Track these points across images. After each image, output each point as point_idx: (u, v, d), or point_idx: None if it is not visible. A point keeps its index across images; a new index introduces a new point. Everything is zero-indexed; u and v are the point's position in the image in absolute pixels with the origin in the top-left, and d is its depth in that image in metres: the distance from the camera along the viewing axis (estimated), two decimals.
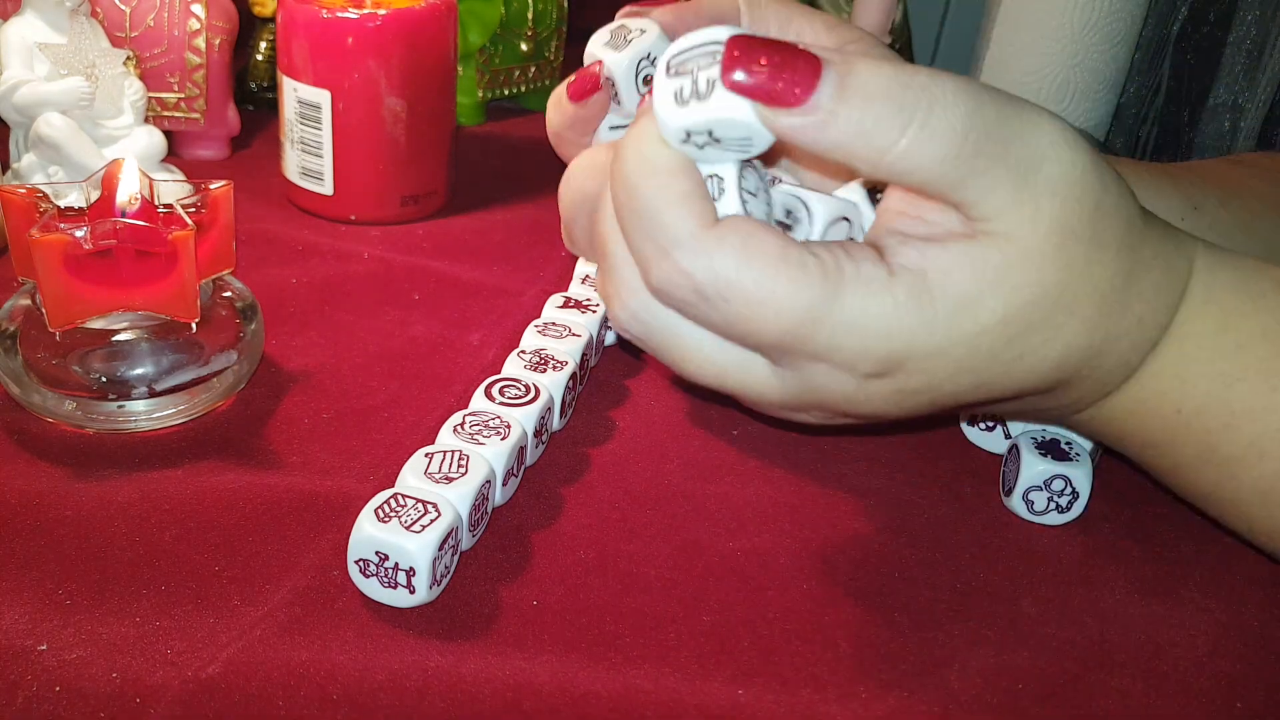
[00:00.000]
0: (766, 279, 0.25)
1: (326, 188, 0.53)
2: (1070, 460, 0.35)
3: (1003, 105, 0.26)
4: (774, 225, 0.27)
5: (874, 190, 0.30)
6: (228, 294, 0.39)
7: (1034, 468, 0.35)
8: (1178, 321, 0.29)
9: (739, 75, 0.24)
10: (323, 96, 0.51)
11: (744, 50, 0.25)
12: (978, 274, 0.26)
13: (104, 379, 0.36)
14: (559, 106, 0.34)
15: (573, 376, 0.39)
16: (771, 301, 0.25)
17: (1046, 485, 0.35)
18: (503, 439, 0.34)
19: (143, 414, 0.36)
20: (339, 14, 0.50)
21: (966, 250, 0.26)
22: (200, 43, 0.56)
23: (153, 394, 0.36)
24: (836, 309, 0.26)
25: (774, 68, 0.24)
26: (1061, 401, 0.30)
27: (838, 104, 0.24)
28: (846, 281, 0.26)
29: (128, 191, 0.36)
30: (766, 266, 0.25)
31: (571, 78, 0.33)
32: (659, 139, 0.26)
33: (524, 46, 0.71)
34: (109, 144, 0.50)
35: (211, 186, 0.37)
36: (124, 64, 0.50)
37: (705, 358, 0.28)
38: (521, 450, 0.35)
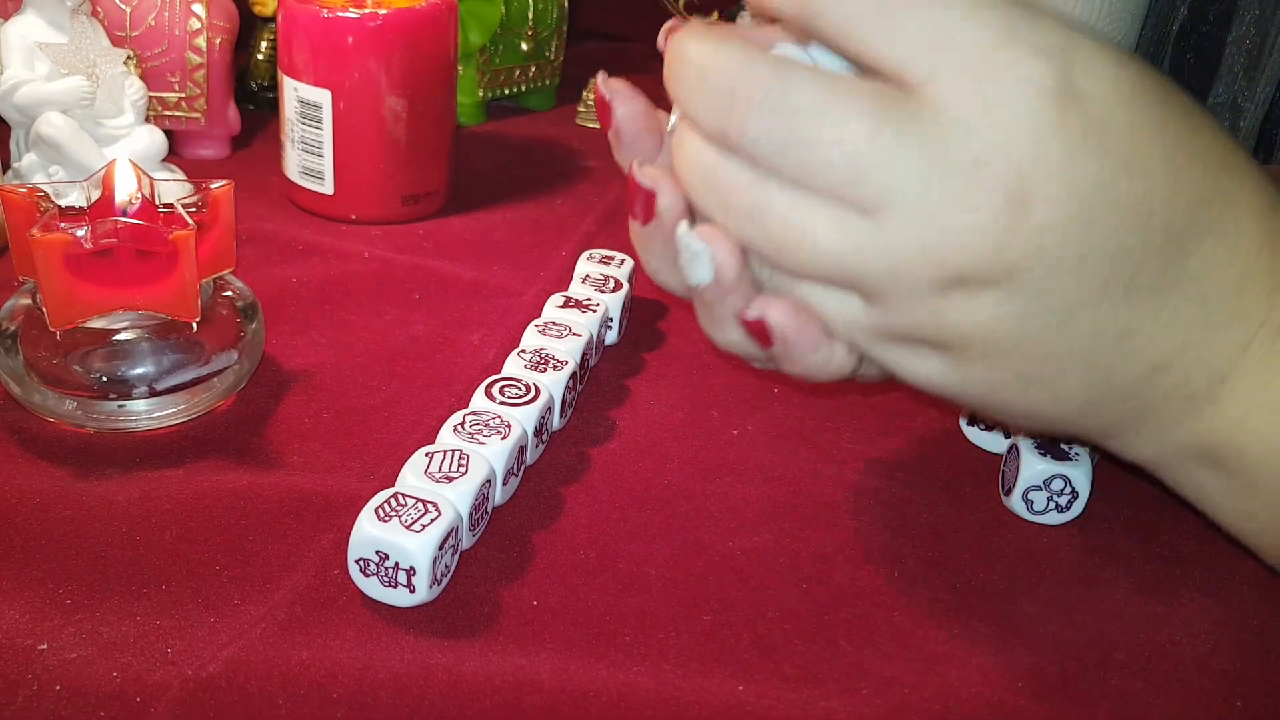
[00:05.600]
0: (839, 102, 0.25)
1: (327, 187, 0.53)
2: (1070, 460, 0.35)
3: None
4: None
5: None
6: (228, 293, 0.39)
7: (1034, 467, 0.35)
8: None
9: None
10: (323, 96, 0.51)
11: None
12: (1109, 77, 0.25)
13: (104, 378, 0.36)
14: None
15: (573, 376, 0.39)
16: (842, 124, 0.25)
17: (1046, 485, 0.35)
18: (503, 438, 0.34)
19: (143, 413, 0.36)
20: (339, 13, 0.50)
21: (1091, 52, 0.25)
22: (201, 42, 0.56)
23: (153, 393, 0.36)
24: (929, 113, 0.24)
25: None
26: (1178, 342, 0.27)
27: None
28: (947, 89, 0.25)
29: (126, 190, 0.36)
30: (833, 91, 0.25)
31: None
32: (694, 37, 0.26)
33: (524, 46, 0.71)
34: (110, 143, 0.50)
35: (212, 186, 0.37)
36: (125, 63, 0.50)
37: (823, 237, 0.26)
38: (522, 450, 0.35)
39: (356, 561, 0.30)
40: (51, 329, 0.35)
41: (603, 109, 0.31)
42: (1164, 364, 0.27)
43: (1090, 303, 0.26)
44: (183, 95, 0.57)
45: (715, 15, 0.97)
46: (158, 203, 0.37)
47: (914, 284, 0.26)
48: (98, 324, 0.36)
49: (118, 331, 0.37)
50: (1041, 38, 0.24)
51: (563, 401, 0.38)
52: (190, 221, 0.35)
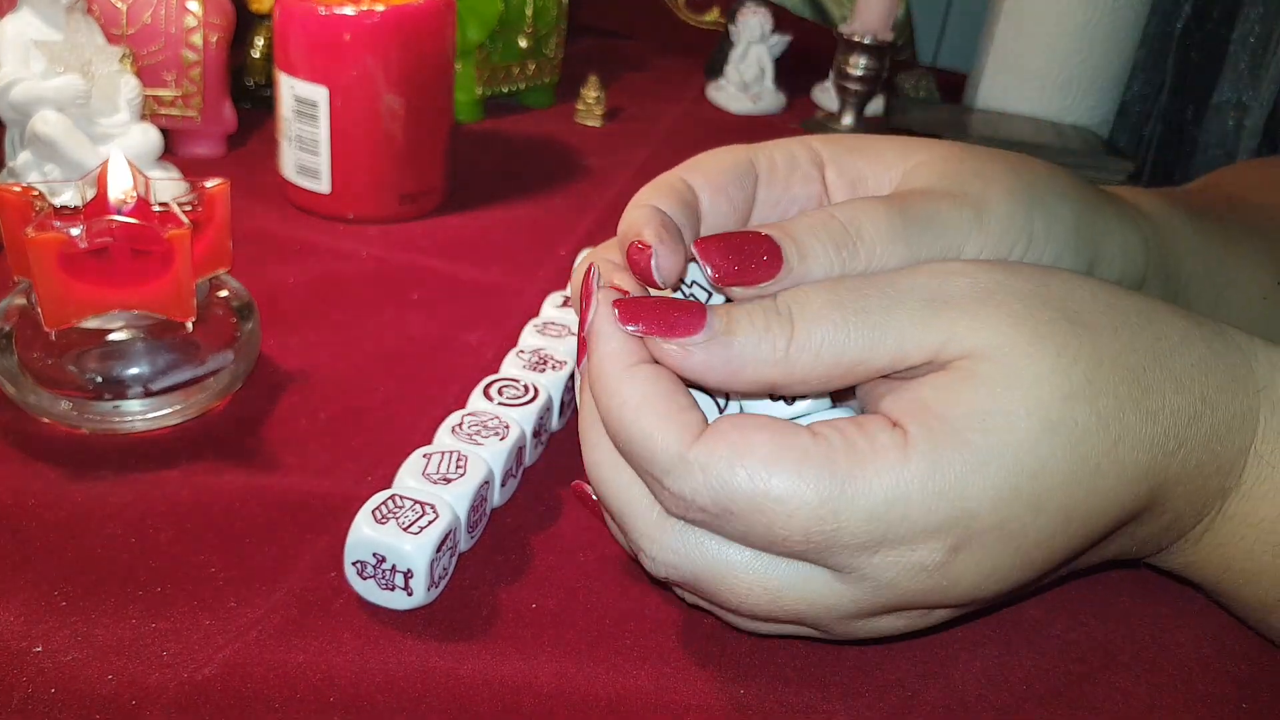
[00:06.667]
0: (763, 480, 0.24)
1: (324, 186, 0.53)
2: None
3: (863, 278, 0.26)
4: (771, 416, 0.26)
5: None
6: (224, 293, 0.39)
7: None
8: (1265, 418, 0.27)
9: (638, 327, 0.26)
10: (320, 93, 0.51)
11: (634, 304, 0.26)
12: (981, 388, 0.24)
13: (99, 379, 0.36)
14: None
15: (572, 376, 0.39)
16: (777, 502, 0.24)
17: None
18: (501, 439, 0.34)
19: (138, 414, 0.36)
20: (336, 10, 0.50)
21: (952, 376, 0.25)
22: (197, 39, 0.56)
23: (148, 394, 0.36)
24: (859, 491, 0.24)
25: (664, 310, 0.26)
26: (1161, 523, 0.28)
27: (726, 329, 0.25)
28: (861, 458, 0.24)
29: (120, 188, 0.36)
30: (761, 467, 0.24)
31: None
32: (617, 370, 0.26)
33: (523, 43, 0.71)
34: (105, 141, 0.49)
35: (208, 184, 0.37)
36: (120, 61, 0.50)
37: (754, 579, 0.26)
38: (520, 450, 0.35)
39: (353, 564, 0.30)
40: (46, 329, 0.35)
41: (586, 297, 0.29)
42: (1122, 553, 0.29)
43: (1037, 583, 0.28)
44: (178, 93, 0.57)
45: (715, 12, 0.96)
46: (153, 201, 0.37)
47: (864, 615, 0.26)
48: (92, 324, 0.36)
49: (112, 331, 0.36)
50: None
51: (561, 402, 0.38)
52: (185, 220, 0.35)
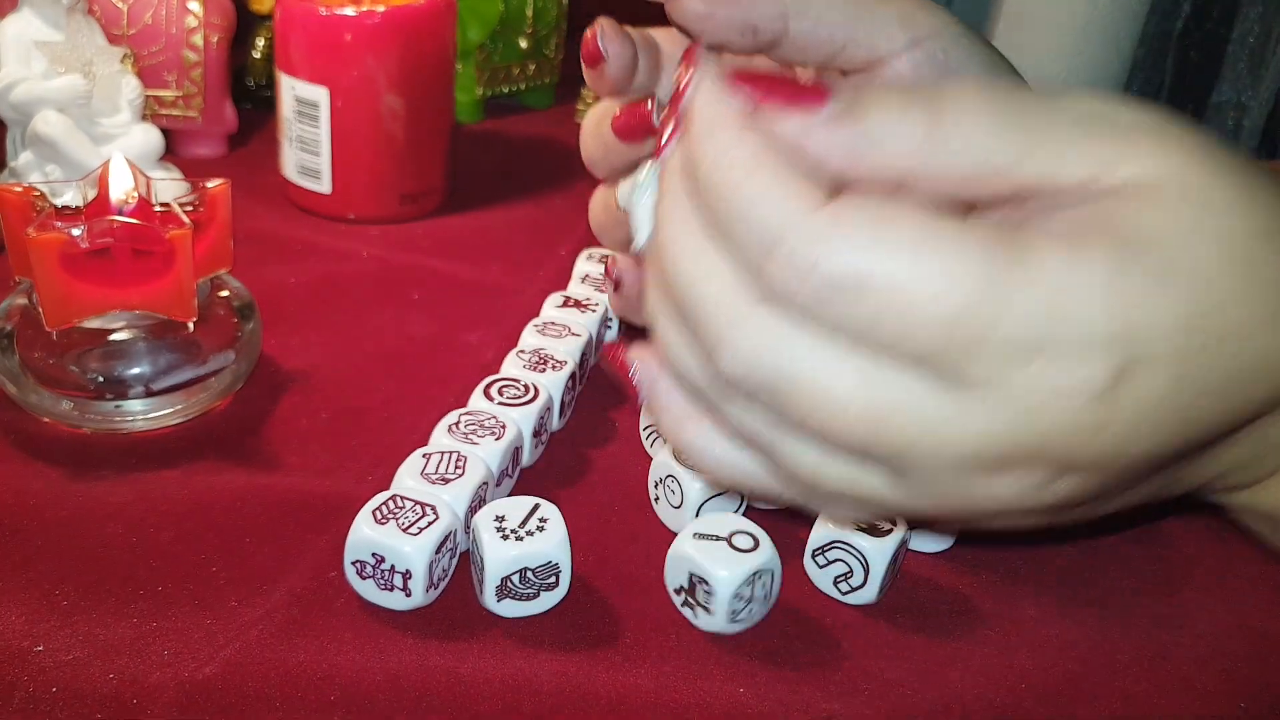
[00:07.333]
0: (913, 255, 0.20)
1: (324, 186, 0.53)
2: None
3: (1023, 88, 0.23)
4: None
5: None
6: (225, 293, 0.39)
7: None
8: None
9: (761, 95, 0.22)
10: (320, 94, 0.51)
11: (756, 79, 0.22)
12: (1165, 207, 0.21)
13: (101, 378, 0.36)
14: (598, 135, 0.31)
15: (572, 376, 0.39)
16: (926, 282, 0.19)
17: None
18: (497, 439, 0.34)
19: (139, 414, 0.36)
20: (337, 10, 0.50)
21: (1126, 195, 0.21)
22: (198, 40, 0.56)
23: (149, 394, 0.36)
24: (1028, 275, 0.20)
25: (783, 81, 0.22)
26: None
27: (857, 104, 0.21)
28: (1031, 242, 0.20)
29: (121, 188, 0.36)
30: (911, 239, 0.20)
31: (618, 109, 0.29)
32: (729, 127, 0.22)
33: (523, 43, 0.71)
34: (106, 142, 0.49)
35: (209, 185, 0.37)
36: (121, 61, 0.50)
37: (859, 389, 0.21)
38: (517, 450, 0.35)
39: (353, 563, 0.30)
40: (47, 329, 0.35)
41: (593, 53, 0.28)
42: (1225, 473, 0.26)
43: (1166, 467, 0.24)
44: (179, 94, 0.57)
45: None
46: (154, 202, 0.37)
47: (981, 464, 0.21)
48: (94, 324, 0.36)
49: (114, 331, 0.36)
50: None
51: (562, 402, 0.38)
52: (187, 221, 0.35)
